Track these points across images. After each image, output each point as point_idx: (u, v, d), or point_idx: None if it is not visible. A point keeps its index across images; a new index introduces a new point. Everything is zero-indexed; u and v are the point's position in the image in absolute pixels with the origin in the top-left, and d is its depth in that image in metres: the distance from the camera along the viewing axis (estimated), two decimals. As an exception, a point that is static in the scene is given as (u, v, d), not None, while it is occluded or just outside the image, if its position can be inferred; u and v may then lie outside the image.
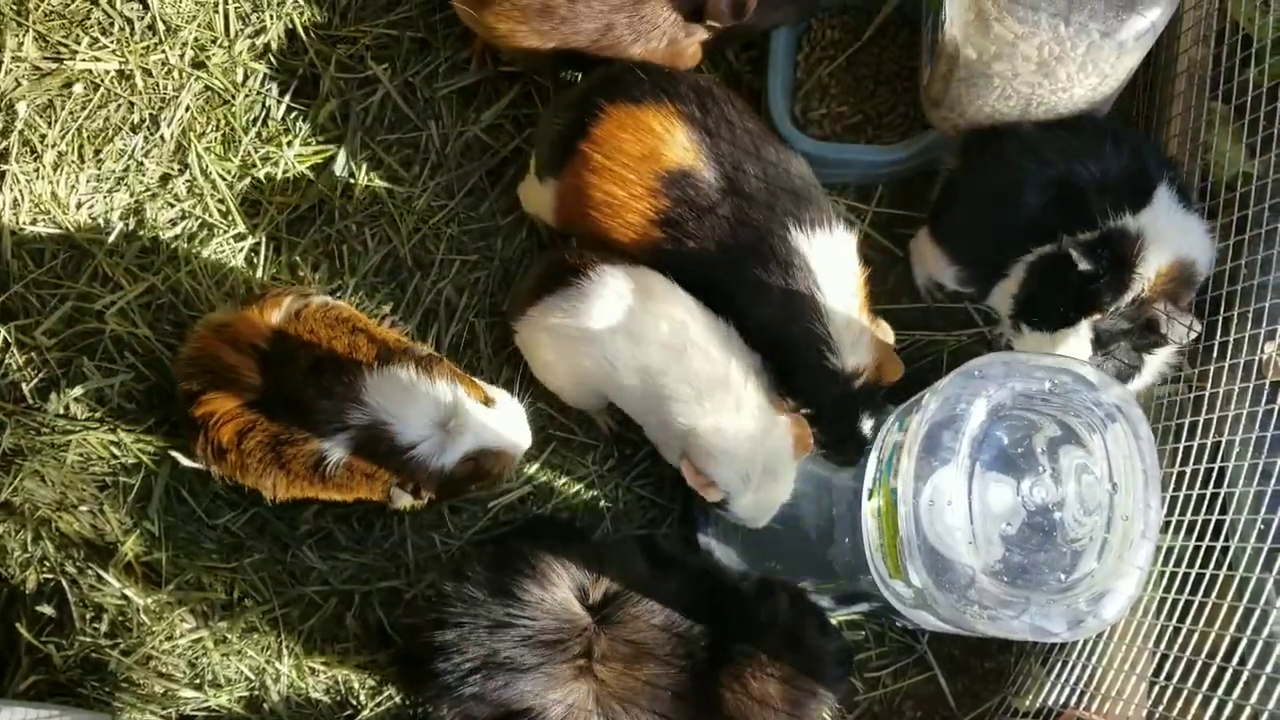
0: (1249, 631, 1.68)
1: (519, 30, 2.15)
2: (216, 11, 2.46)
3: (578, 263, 2.07)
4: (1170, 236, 1.96)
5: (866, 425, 2.09)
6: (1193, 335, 1.94)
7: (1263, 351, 1.91)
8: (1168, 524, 1.95)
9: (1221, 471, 1.91)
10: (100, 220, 2.38)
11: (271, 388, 2.00)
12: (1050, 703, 2.07)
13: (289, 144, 2.41)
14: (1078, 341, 1.98)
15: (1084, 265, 1.92)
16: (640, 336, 2.00)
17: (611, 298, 2.02)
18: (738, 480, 2.00)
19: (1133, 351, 1.99)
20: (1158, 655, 1.88)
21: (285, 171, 2.40)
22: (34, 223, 2.37)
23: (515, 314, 2.18)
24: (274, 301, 2.09)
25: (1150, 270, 1.94)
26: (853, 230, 2.12)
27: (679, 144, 2.02)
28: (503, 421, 2.06)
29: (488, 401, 2.06)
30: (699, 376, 1.99)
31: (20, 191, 2.38)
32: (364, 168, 2.40)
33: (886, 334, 2.14)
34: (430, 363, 2.02)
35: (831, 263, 2.05)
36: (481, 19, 2.17)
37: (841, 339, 2.04)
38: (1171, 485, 1.97)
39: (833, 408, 2.08)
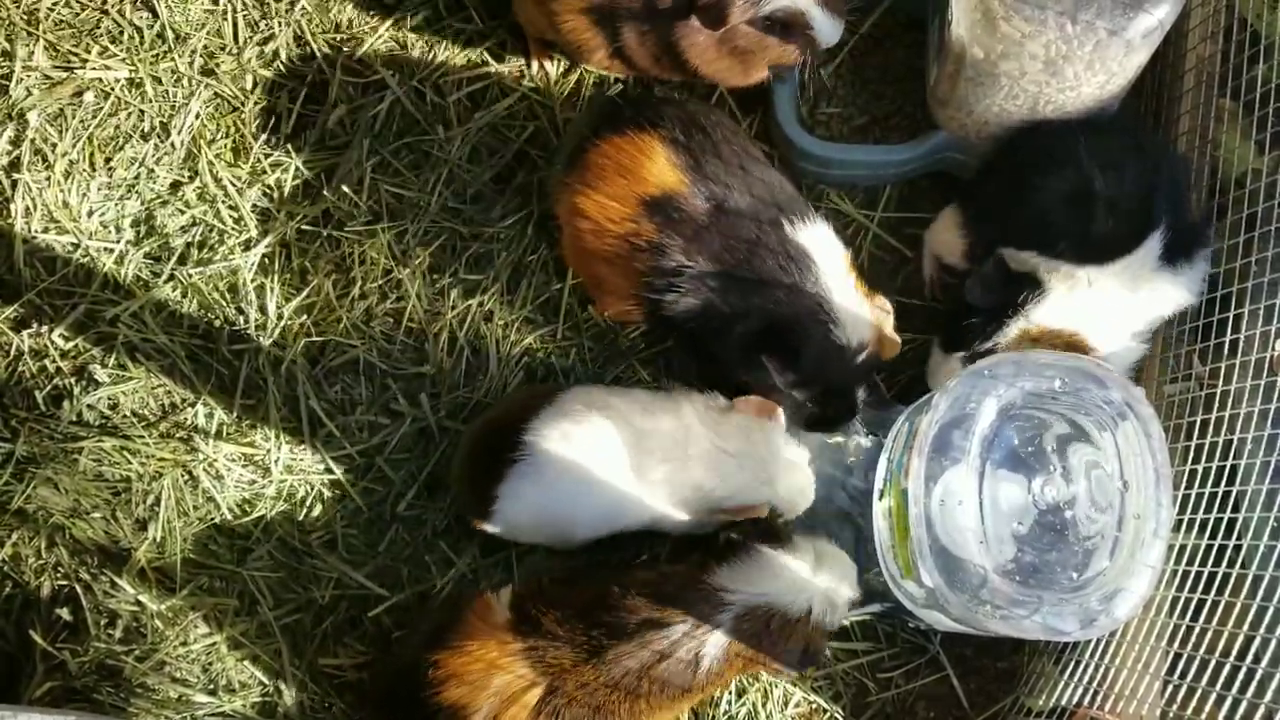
0: (1262, 629, 1.67)
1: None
2: (225, 19, 2.48)
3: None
4: (1094, 310, 1.98)
5: (860, 395, 2.13)
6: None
7: (1273, 349, 1.91)
8: (1179, 522, 1.94)
9: (1233, 469, 1.91)
10: (111, 228, 2.40)
11: None
12: (1063, 702, 2.06)
13: (299, 150, 2.42)
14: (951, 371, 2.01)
15: (971, 295, 1.95)
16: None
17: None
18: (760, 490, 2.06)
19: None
20: (1171, 654, 1.87)
21: (295, 178, 2.41)
22: (46, 231, 2.39)
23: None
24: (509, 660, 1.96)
25: (1024, 326, 1.97)
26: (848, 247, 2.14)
27: (661, 169, 2.02)
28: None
29: None
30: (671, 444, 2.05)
31: (32, 200, 2.40)
32: (373, 172, 2.41)
33: (884, 304, 2.13)
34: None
35: (823, 248, 2.06)
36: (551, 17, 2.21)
37: (844, 317, 2.05)
38: (1183, 483, 1.97)
39: (838, 380, 2.09)
